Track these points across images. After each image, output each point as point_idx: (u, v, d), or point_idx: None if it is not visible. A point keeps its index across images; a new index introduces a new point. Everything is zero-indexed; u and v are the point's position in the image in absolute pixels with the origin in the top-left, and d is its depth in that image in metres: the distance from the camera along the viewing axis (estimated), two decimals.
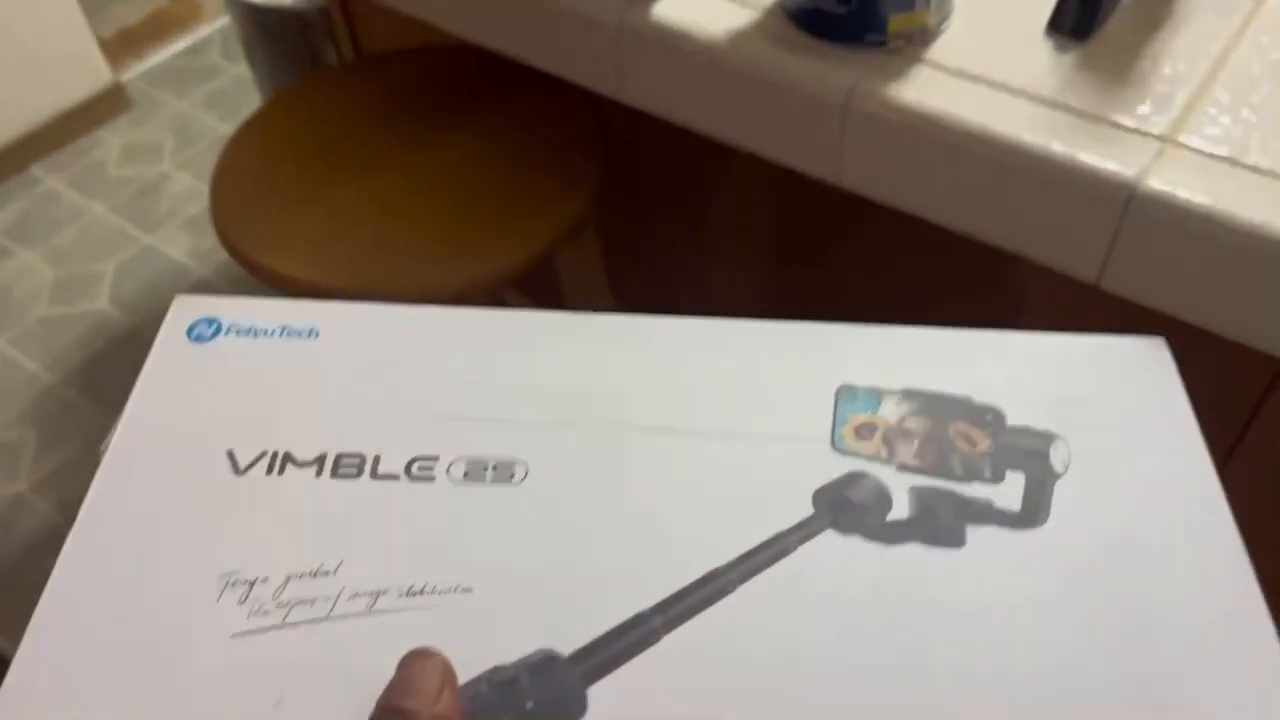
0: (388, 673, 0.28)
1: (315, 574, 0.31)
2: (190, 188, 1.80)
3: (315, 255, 0.74)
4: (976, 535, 0.33)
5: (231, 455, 0.34)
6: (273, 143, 0.84)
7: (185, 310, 0.38)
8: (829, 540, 0.32)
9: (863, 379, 0.36)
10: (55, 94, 1.88)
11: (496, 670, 0.29)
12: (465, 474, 0.33)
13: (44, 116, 1.87)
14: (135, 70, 2.05)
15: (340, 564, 0.31)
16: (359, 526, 0.32)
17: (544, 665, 0.29)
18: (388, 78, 0.90)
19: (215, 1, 2.21)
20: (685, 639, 0.30)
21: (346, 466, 0.33)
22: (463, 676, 0.28)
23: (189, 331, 0.37)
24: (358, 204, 0.78)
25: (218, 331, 0.37)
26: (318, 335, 0.37)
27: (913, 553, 0.32)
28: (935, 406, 0.36)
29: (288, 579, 0.31)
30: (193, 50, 2.10)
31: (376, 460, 0.34)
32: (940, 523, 0.33)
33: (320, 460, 0.34)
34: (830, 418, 0.35)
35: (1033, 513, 0.33)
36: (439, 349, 0.37)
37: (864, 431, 0.35)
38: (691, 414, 0.35)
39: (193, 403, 0.35)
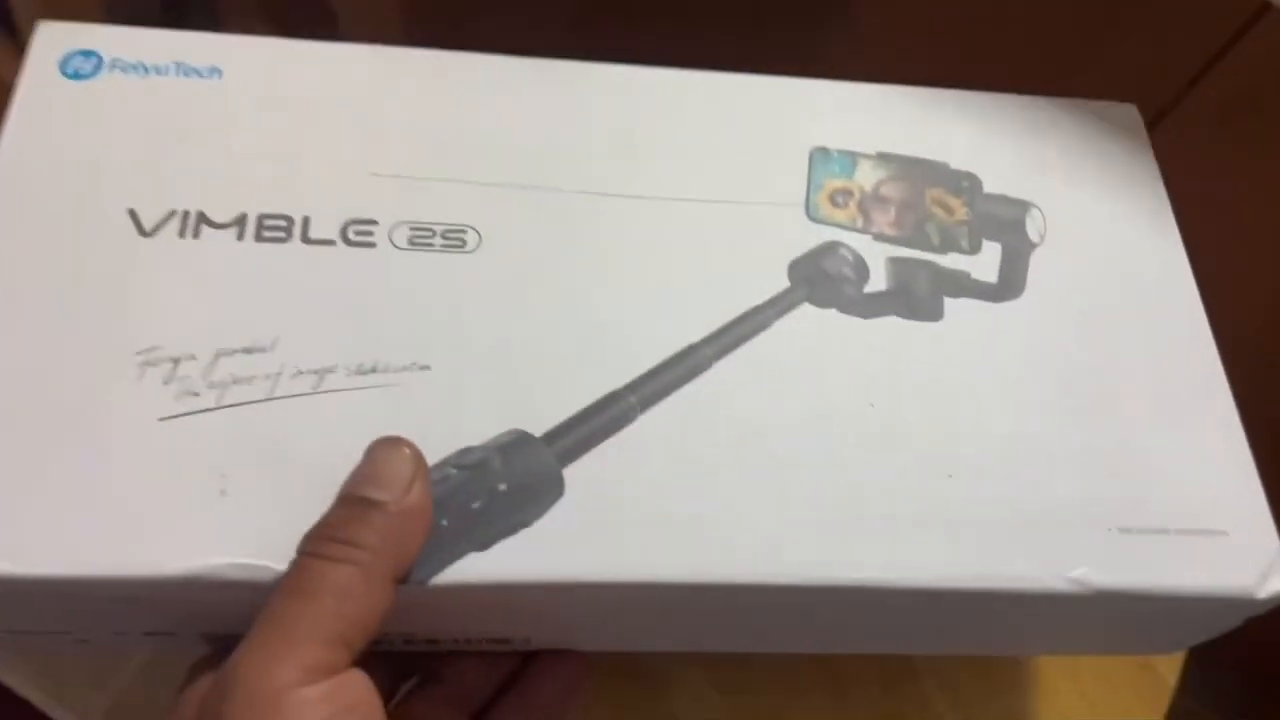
0: (344, 458, 0.25)
1: (249, 350, 0.27)
2: None
3: None
4: (954, 307, 0.31)
5: (134, 214, 0.29)
6: None
7: (54, 39, 0.31)
8: (805, 313, 0.31)
9: (836, 141, 0.34)
10: None
11: (465, 452, 0.27)
12: (410, 240, 0.30)
13: None
14: None
15: (277, 339, 0.28)
16: (293, 297, 0.28)
17: (516, 445, 0.27)
18: None
19: None
20: (658, 421, 0.28)
21: (271, 229, 0.29)
22: (427, 459, 0.26)
23: (63, 67, 0.31)
24: None
25: (99, 66, 0.31)
26: (221, 74, 0.32)
27: (891, 325, 0.31)
28: (912, 171, 0.34)
29: (217, 355, 0.27)
30: None
31: (306, 222, 0.30)
32: (918, 295, 0.31)
33: (240, 221, 0.29)
34: (804, 182, 0.33)
35: (1010, 285, 0.32)
36: (370, 94, 0.32)
37: (839, 198, 0.33)
38: (659, 177, 0.32)
39: (78, 152, 0.30)
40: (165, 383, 0.27)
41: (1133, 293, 0.33)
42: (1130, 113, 0.37)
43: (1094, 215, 0.34)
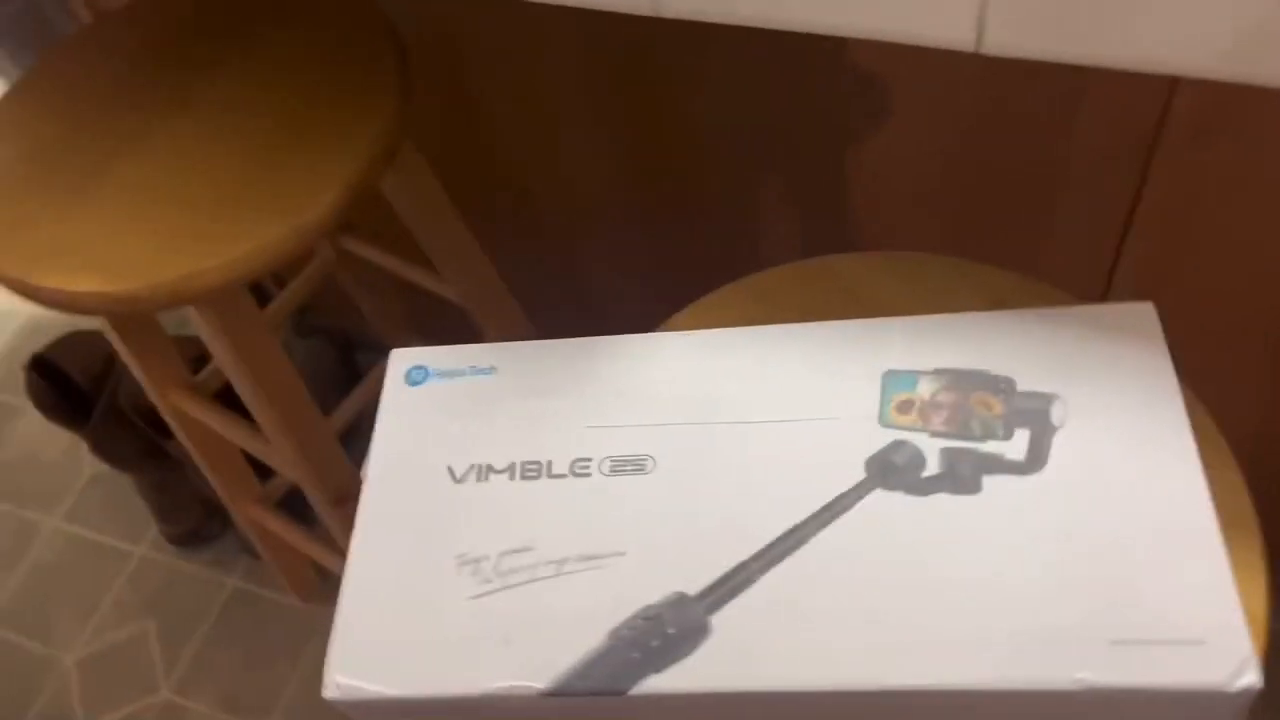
0: (580, 617, 0.42)
1: (519, 551, 0.45)
2: None
3: (94, 264, 0.67)
4: (990, 482, 0.44)
5: (450, 470, 0.48)
6: (18, 150, 0.73)
7: (401, 361, 0.52)
8: (878, 496, 0.44)
9: (903, 364, 0.47)
10: None
11: (646, 609, 0.42)
12: (612, 469, 0.47)
13: None
14: None
15: (535, 543, 0.45)
16: (543, 514, 0.46)
17: (678, 602, 0.43)
18: (133, 34, 0.77)
19: None
20: (776, 579, 0.43)
21: (529, 471, 0.47)
22: (621, 615, 0.42)
23: (406, 377, 0.51)
24: (130, 193, 0.70)
25: (426, 376, 0.51)
26: (495, 372, 0.51)
27: (941, 500, 0.44)
28: (961, 380, 0.47)
29: (500, 555, 0.45)
30: None
31: (550, 464, 0.47)
32: (961, 475, 0.44)
33: (511, 468, 0.47)
34: (878, 398, 0.47)
35: (1035, 460, 0.44)
36: (580, 372, 0.50)
37: (904, 407, 0.46)
38: (771, 407, 0.47)
39: (418, 432, 0.49)
40: (472, 574, 0.45)
41: (1138, 460, 0.43)
42: (1146, 310, 0.47)
43: (1108, 402, 0.45)
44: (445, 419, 0.49)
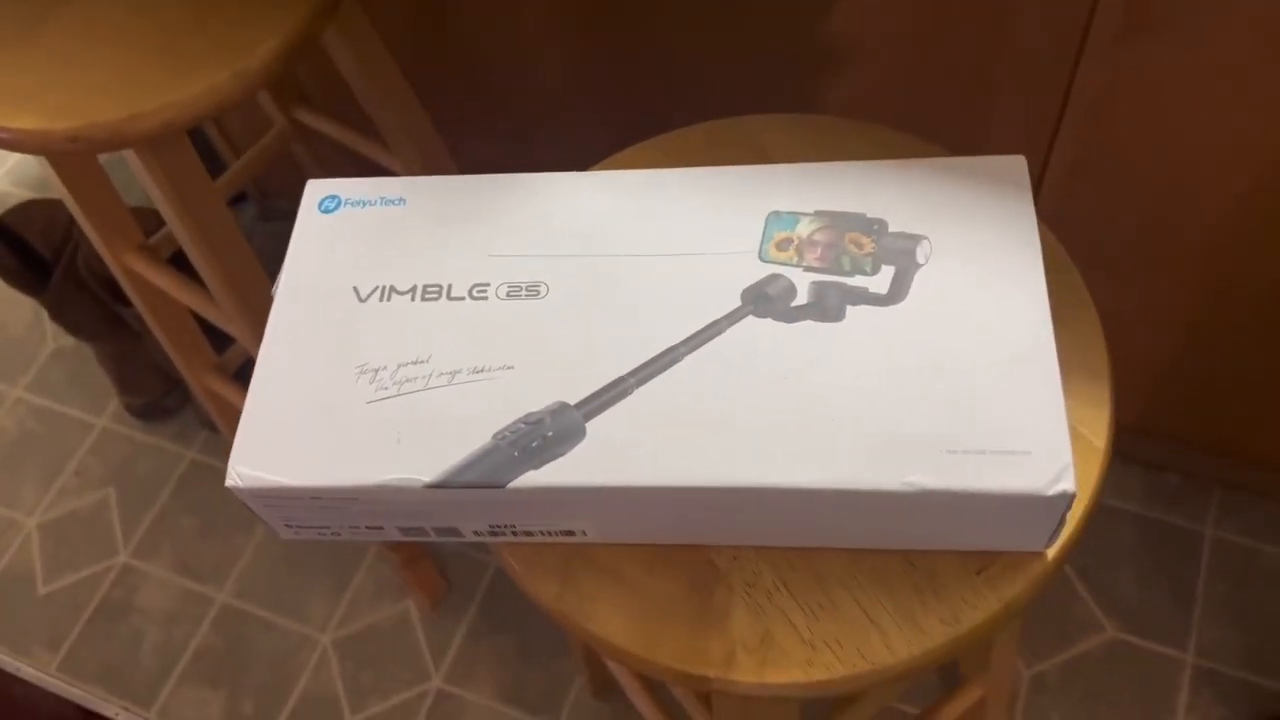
0: (462, 422, 0.45)
1: (415, 363, 0.48)
2: None
3: (36, 104, 0.68)
4: (854, 312, 0.47)
5: (356, 290, 0.51)
6: None
7: (315, 190, 0.54)
8: (750, 323, 0.47)
9: (786, 206, 0.50)
10: None
11: (528, 415, 0.46)
12: (508, 293, 0.50)
13: None
14: None
15: (430, 356, 0.48)
16: (439, 332, 0.49)
17: (558, 410, 0.46)
18: None
19: None
20: (650, 392, 0.46)
21: (430, 293, 0.50)
22: (505, 421, 0.45)
23: (319, 205, 0.54)
24: (72, 36, 0.71)
25: (339, 204, 0.54)
26: (405, 202, 0.53)
27: (807, 326, 0.47)
28: (838, 221, 0.50)
29: (398, 366, 0.48)
30: None
31: (450, 287, 0.50)
32: (828, 305, 0.47)
33: (413, 290, 0.50)
34: (759, 236, 0.50)
35: (896, 294, 0.47)
36: (484, 206, 0.52)
37: (782, 245, 0.49)
38: (659, 242, 0.50)
39: (327, 255, 0.52)
40: (370, 383, 0.48)
41: (990, 296, 0.47)
42: (1018, 162, 0.50)
43: (971, 245, 0.48)
44: (354, 244, 0.52)
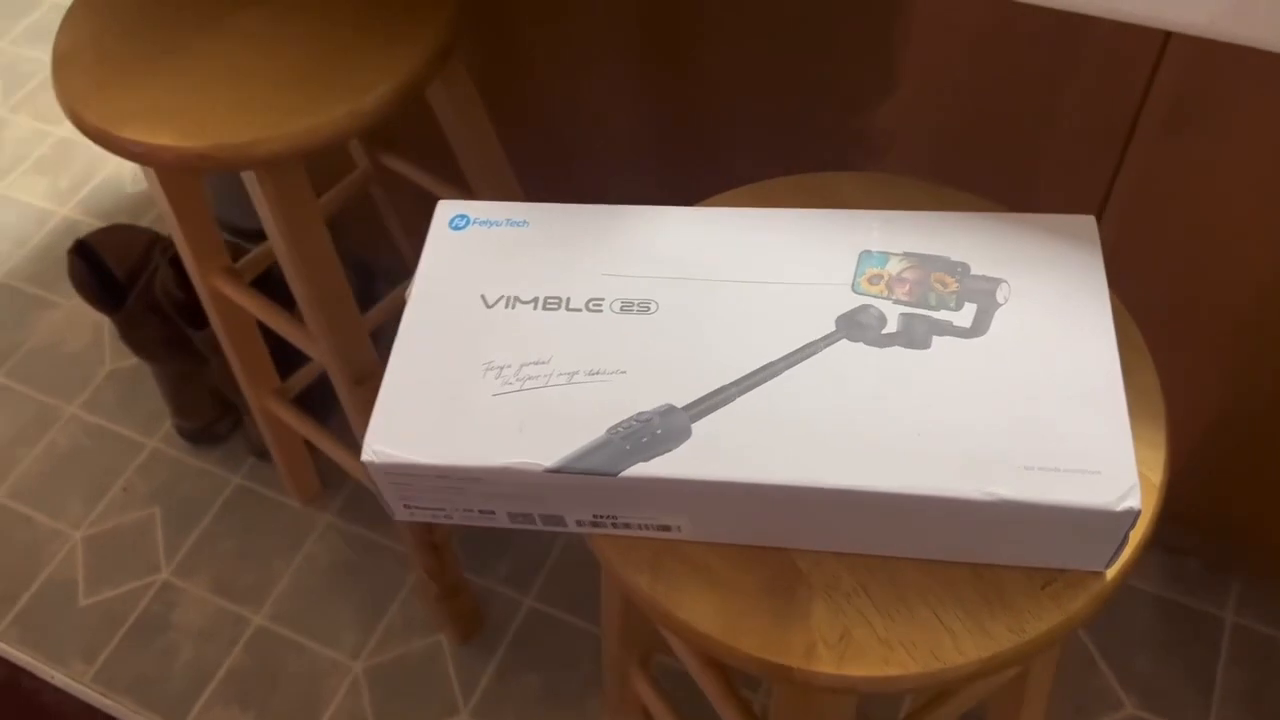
0: (584, 417, 0.50)
1: (536, 363, 0.53)
2: (32, 130, 1.81)
3: (170, 123, 0.75)
4: (940, 341, 0.52)
5: (483, 297, 0.56)
6: (105, 24, 0.83)
7: (446, 209, 0.60)
8: (843, 345, 0.52)
9: (877, 246, 0.56)
10: None
11: (640, 413, 0.50)
12: (621, 308, 0.55)
13: None
14: None
15: (550, 358, 0.53)
16: (559, 337, 0.54)
17: (667, 410, 0.51)
18: None
19: None
20: (751, 400, 0.51)
21: (550, 303, 0.55)
22: (618, 418, 0.50)
23: (450, 222, 0.59)
24: (205, 67, 0.78)
25: (468, 222, 0.59)
26: (528, 224, 0.59)
27: (896, 352, 0.52)
28: (924, 262, 0.55)
29: (521, 365, 0.53)
30: None
31: (568, 300, 0.55)
32: (915, 334, 0.52)
33: (535, 300, 0.55)
34: (853, 271, 0.55)
35: (978, 328, 0.52)
36: (599, 231, 0.58)
37: (874, 280, 0.54)
38: (761, 271, 0.55)
39: (457, 266, 0.57)
40: (496, 378, 0.53)
41: (1064, 334, 0.52)
42: (1088, 222, 0.56)
43: (1046, 290, 0.53)
44: (481, 258, 0.58)
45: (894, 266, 0.55)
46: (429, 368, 0.53)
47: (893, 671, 0.49)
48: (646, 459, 0.49)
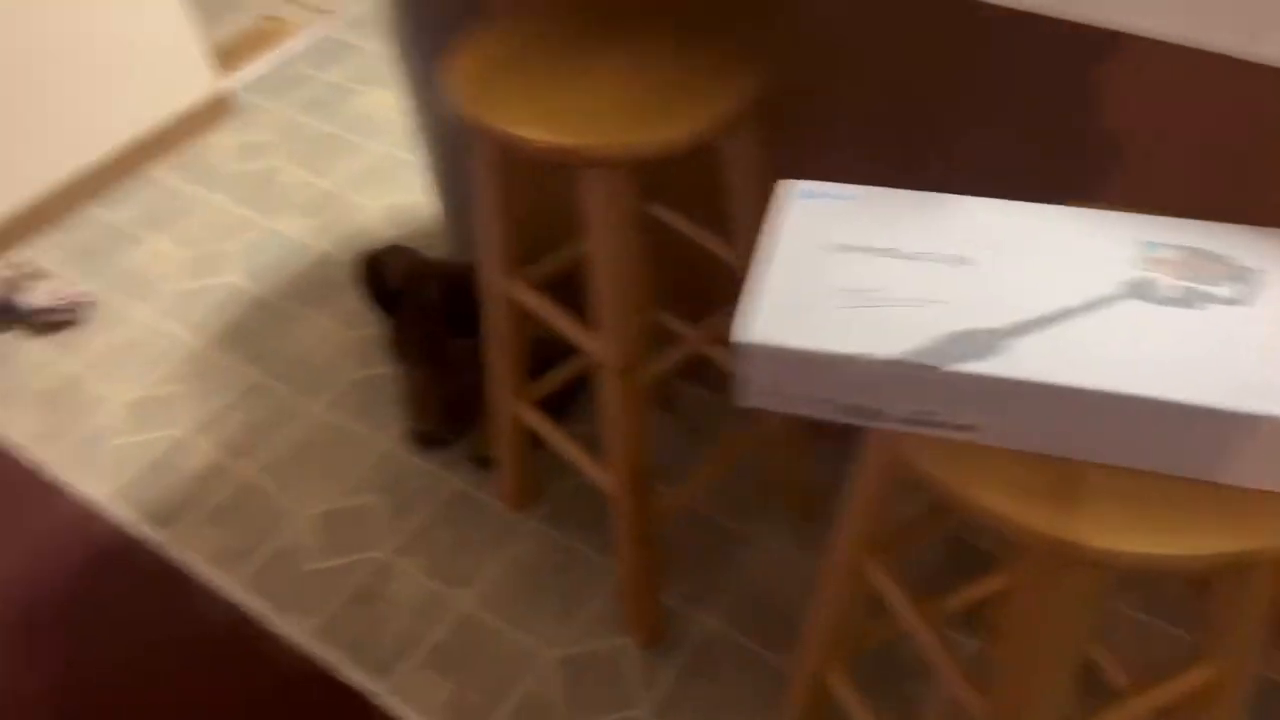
0: (920, 325, 0.64)
1: (876, 290, 0.68)
2: (299, 178, 2.12)
3: (552, 127, 0.96)
4: (1210, 307, 0.65)
5: (830, 243, 0.71)
6: (489, 56, 1.07)
7: (789, 185, 0.76)
8: (1129, 302, 0.66)
9: (1160, 239, 0.70)
10: (166, 101, 2.16)
11: (965, 328, 0.65)
12: (943, 260, 0.69)
13: (156, 122, 2.15)
14: (236, 80, 2.41)
15: (886, 287, 0.68)
16: (894, 274, 0.68)
17: (986, 329, 0.65)
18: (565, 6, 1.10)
19: (301, 17, 2.58)
20: (1055, 329, 0.64)
21: (884, 253, 0.70)
22: (950, 331, 0.64)
23: (798, 191, 0.76)
24: (579, 91, 1.00)
25: (811, 195, 0.75)
26: (855, 199, 0.75)
27: (1172, 311, 0.65)
28: (1200, 253, 0.68)
29: (865, 290, 0.68)
30: (286, 62, 2.49)
31: (898, 249, 0.70)
32: (1190, 300, 0.65)
33: (869, 248, 0.71)
34: (1139, 254, 0.69)
35: (1244, 300, 0.65)
36: (912, 207, 0.73)
37: (1155, 262, 0.68)
38: (1053, 244, 0.70)
39: (805, 223, 0.73)
40: (848, 297, 0.68)
41: None
42: None
43: None
44: (823, 218, 0.74)
45: (1169, 254, 0.69)
46: (790, 288, 0.69)
47: (1182, 551, 0.60)
48: (966, 361, 0.63)
